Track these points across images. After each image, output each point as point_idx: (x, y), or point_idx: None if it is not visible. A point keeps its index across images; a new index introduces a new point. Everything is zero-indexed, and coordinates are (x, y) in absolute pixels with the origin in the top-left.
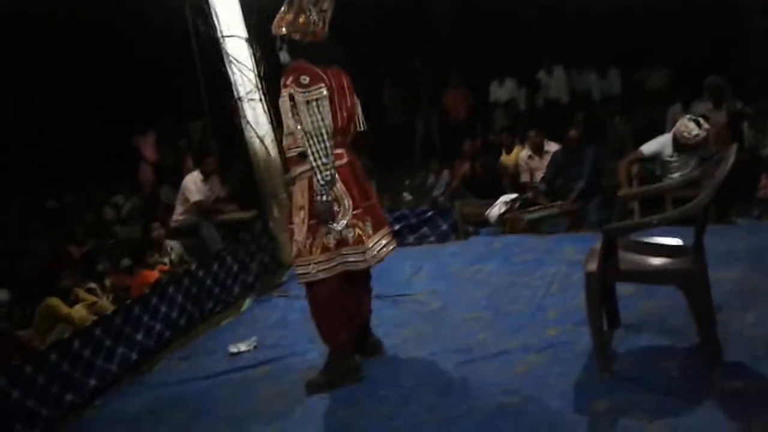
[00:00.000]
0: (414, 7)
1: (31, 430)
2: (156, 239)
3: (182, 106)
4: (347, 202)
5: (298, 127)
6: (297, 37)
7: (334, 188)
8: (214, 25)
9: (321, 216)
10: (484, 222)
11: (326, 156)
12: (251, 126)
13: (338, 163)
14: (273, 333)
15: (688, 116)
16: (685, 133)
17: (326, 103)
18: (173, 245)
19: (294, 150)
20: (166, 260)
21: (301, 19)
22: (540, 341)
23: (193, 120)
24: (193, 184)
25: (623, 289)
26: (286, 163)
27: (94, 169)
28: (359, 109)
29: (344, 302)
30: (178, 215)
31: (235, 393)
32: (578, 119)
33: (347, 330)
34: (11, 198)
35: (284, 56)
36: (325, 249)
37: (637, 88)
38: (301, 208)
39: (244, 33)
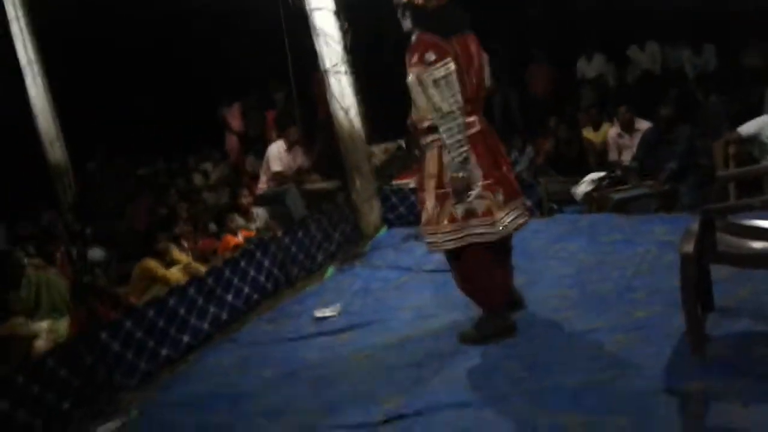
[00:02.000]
0: None
1: (130, 380)
2: (245, 206)
3: (268, 78)
4: (477, 173)
5: (428, 105)
6: (420, 2)
7: (467, 159)
8: None
9: (456, 192)
10: (569, 200)
11: (459, 133)
12: (336, 98)
13: (470, 131)
14: (355, 300)
15: None
16: None
17: (454, 78)
18: (259, 212)
19: (423, 122)
20: (252, 226)
21: None
22: (628, 322)
23: (277, 91)
24: (277, 153)
25: (718, 273)
26: (415, 132)
27: (185, 138)
28: (487, 69)
29: (484, 270)
30: (262, 184)
31: (321, 355)
32: (671, 97)
33: (495, 293)
34: (109, 165)
35: (407, 24)
36: (452, 219)
37: (734, 66)
38: (432, 176)
39: (332, 5)
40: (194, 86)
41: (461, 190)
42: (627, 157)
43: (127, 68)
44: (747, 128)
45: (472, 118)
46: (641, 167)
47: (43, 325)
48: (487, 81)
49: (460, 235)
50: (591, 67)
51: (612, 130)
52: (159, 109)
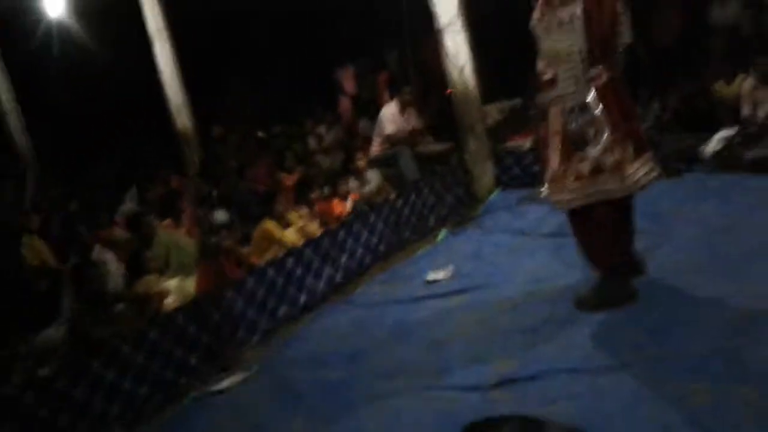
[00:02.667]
0: None
1: (252, 337)
2: (359, 169)
3: (382, 39)
4: (605, 125)
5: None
6: None
7: (592, 111)
8: None
9: (573, 142)
10: (698, 159)
11: (576, 82)
12: (451, 57)
13: (599, 81)
14: (468, 264)
15: None
16: None
17: (579, 22)
18: (372, 175)
19: (547, 74)
20: (366, 189)
21: None
22: (761, 289)
23: (391, 52)
24: (390, 116)
25: None
26: (540, 86)
27: (301, 101)
28: (625, 19)
29: (610, 229)
30: (375, 146)
31: (434, 317)
32: None
33: (618, 255)
34: (231, 130)
35: None
36: (579, 176)
37: None
38: (557, 133)
39: None
40: (310, 49)
41: (577, 141)
42: (764, 113)
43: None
44: None
45: (601, 68)
46: None
47: (173, 282)
48: (627, 34)
49: (588, 192)
50: (725, 12)
51: (747, 83)
52: (278, 72)
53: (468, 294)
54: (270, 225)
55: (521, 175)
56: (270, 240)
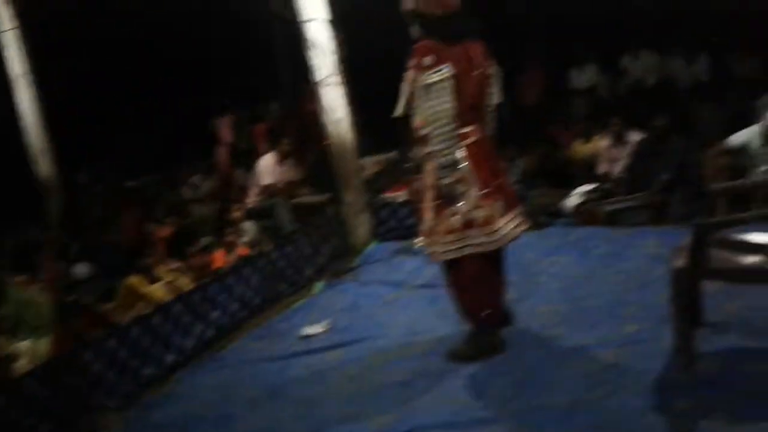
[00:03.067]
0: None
1: (111, 401)
2: (235, 220)
3: (260, 90)
4: (474, 182)
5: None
6: (430, 11)
7: (461, 168)
8: (296, 8)
9: (444, 198)
10: (559, 213)
11: (445, 141)
12: (328, 110)
13: (468, 141)
14: (344, 317)
15: None
16: None
17: (448, 84)
18: (248, 226)
19: (422, 129)
20: (241, 241)
21: None
22: (619, 337)
23: (269, 103)
24: (268, 166)
25: (708, 287)
26: (415, 141)
27: (172, 151)
28: (497, 80)
29: (482, 280)
30: (252, 197)
31: (309, 375)
32: (664, 108)
33: (489, 306)
34: (94, 178)
35: (415, 31)
36: (450, 230)
37: (726, 76)
38: (430, 187)
39: (326, 16)
40: (185, 98)
41: (449, 196)
42: (618, 170)
43: (118, 79)
44: (736, 139)
45: (470, 128)
46: (632, 179)
47: (25, 344)
48: (496, 95)
49: (459, 246)
50: (583, 77)
51: (603, 142)
52: (150, 121)
53: (343, 349)
54: (135, 280)
55: (397, 227)
56: (135, 296)
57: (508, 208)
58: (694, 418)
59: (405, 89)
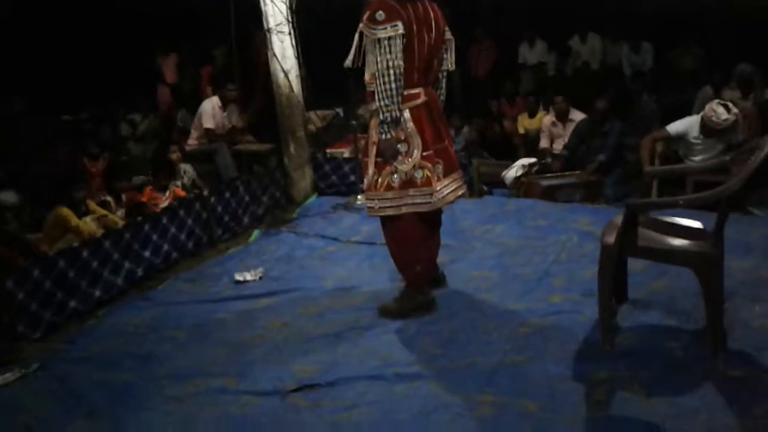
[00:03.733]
0: None
1: (34, 332)
2: (173, 161)
3: (209, 32)
4: (417, 143)
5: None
6: None
7: (405, 128)
8: None
9: (384, 154)
10: (500, 183)
11: (389, 97)
12: (277, 59)
13: (414, 102)
14: (279, 266)
15: (717, 100)
16: (713, 117)
17: (399, 41)
18: (187, 169)
19: (371, 85)
20: (178, 183)
21: None
22: (545, 307)
23: (218, 47)
24: (211, 110)
25: (634, 265)
26: (366, 96)
27: (113, 87)
28: (451, 46)
29: (417, 239)
30: (192, 140)
31: (238, 319)
32: (606, 91)
33: (421, 264)
34: (31, 110)
35: None
36: (389, 187)
37: (669, 67)
38: (374, 143)
39: None
40: (131, 34)
41: (387, 153)
42: (559, 146)
43: (63, 11)
44: (675, 127)
45: (417, 89)
46: (571, 157)
47: None
48: (450, 63)
49: (397, 204)
50: (533, 53)
51: (546, 118)
52: (92, 55)
53: (275, 297)
54: (65, 211)
55: (338, 183)
56: (64, 228)
57: (448, 172)
58: (611, 388)
59: (355, 42)
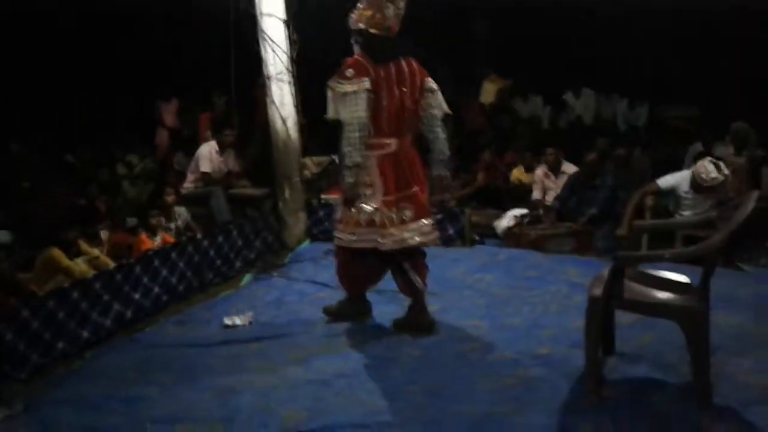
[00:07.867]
0: (449, 17)
1: (20, 372)
2: (168, 204)
3: (210, 78)
4: (379, 188)
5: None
6: (374, 31)
7: (369, 173)
8: (254, 1)
9: (346, 195)
10: (491, 232)
11: (352, 145)
12: (276, 106)
13: (382, 151)
14: (268, 311)
15: (708, 158)
16: (703, 174)
17: (364, 95)
18: (181, 211)
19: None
20: (172, 225)
21: (378, 16)
22: (533, 358)
23: (218, 93)
24: (208, 154)
25: (622, 318)
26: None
27: (114, 130)
28: (436, 96)
29: (358, 270)
30: (188, 183)
31: (226, 364)
32: (600, 145)
33: (359, 290)
34: (32, 150)
35: (357, 49)
36: (354, 224)
37: (661, 124)
38: (341, 186)
39: (283, 14)
40: (134, 77)
41: (349, 194)
42: (551, 198)
43: (66, 60)
44: (666, 181)
45: (389, 139)
46: (563, 208)
47: None
48: (440, 109)
49: (353, 239)
50: (527, 107)
51: (539, 170)
52: (95, 99)
53: (264, 342)
54: (55, 252)
55: (331, 228)
56: (55, 268)
57: (418, 217)
58: None
59: (330, 96)
